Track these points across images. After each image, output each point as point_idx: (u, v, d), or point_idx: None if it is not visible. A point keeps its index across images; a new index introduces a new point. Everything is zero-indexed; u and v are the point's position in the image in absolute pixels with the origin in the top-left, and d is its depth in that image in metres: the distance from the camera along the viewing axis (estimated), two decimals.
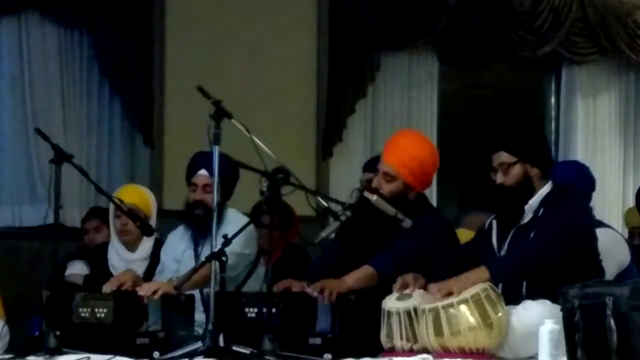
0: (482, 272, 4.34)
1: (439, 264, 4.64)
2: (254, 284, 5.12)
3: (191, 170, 5.31)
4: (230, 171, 4.95)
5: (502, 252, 4.57)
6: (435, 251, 4.75)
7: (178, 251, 5.33)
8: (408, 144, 4.96)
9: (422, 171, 4.88)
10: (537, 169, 4.55)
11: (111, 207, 5.73)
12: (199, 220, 5.22)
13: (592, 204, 5.64)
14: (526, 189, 4.55)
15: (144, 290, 4.66)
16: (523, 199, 4.54)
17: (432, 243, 4.78)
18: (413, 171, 4.85)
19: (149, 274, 5.47)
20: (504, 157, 4.56)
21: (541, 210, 4.51)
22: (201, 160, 5.25)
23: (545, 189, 4.57)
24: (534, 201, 4.54)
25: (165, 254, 5.44)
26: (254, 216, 5.30)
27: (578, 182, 5.49)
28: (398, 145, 4.97)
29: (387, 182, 4.85)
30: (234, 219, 5.05)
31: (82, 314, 4.58)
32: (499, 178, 4.57)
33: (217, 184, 4.55)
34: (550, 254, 4.35)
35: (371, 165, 5.46)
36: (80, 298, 4.61)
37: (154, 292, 4.62)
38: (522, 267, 4.40)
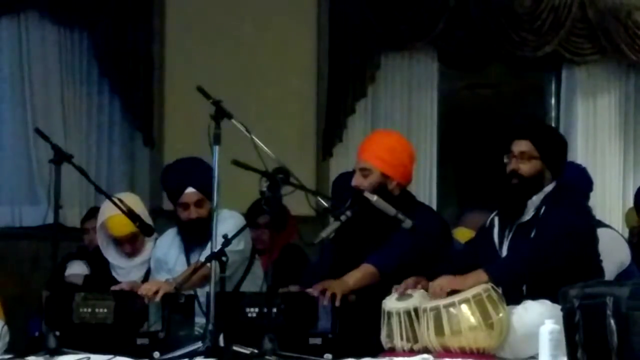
0: (480, 275, 4.34)
1: (441, 263, 4.64)
2: (252, 284, 5.12)
3: (174, 191, 5.20)
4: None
5: (504, 250, 4.57)
6: (433, 245, 4.78)
7: (170, 258, 5.32)
8: (378, 139, 5.15)
9: (396, 159, 4.92)
10: (550, 172, 4.58)
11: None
12: (196, 233, 5.16)
13: (590, 204, 5.64)
14: (536, 184, 4.56)
15: (145, 290, 4.65)
16: (529, 192, 4.55)
17: (428, 237, 4.78)
18: (387, 161, 4.89)
19: (149, 277, 5.45)
20: (529, 147, 4.57)
21: (543, 208, 4.51)
22: (182, 178, 5.17)
23: (549, 187, 4.58)
24: (537, 198, 4.55)
25: (155, 257, 5.42)
26: (251, 216, 5.28)
27: (577, 182, 5.49)
28: (369, 142, 5.08)
29: (365, 176, 4.89)
30: (225, 217, 5.00)
31: (83, 314, 4.58)
32: (514, 164, 4.57)
33: (216, 185, 4.54)
34: (550, 257, 4.34)
35: None
36: (80, 298, 4.61)
37: (155, 293, 4.62)
38: (521, 270, 4.39)
